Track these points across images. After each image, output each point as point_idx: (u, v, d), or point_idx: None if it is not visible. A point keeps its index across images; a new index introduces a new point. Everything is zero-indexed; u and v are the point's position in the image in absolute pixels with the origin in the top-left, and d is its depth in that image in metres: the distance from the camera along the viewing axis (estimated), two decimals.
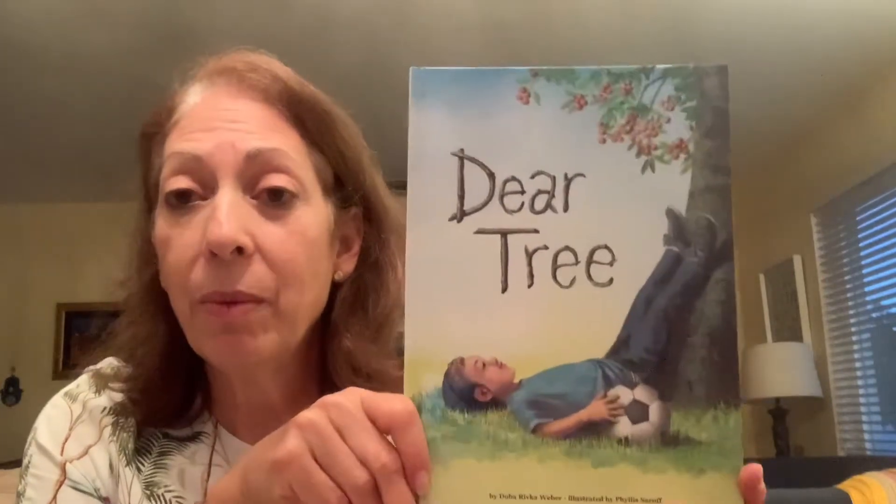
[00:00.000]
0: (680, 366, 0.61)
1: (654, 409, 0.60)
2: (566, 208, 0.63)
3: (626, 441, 0.60)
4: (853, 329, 4.50)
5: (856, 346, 4.45)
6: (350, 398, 0.60)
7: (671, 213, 0.63)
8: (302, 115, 0.83)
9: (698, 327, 0.61)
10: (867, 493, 2.86)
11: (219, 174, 0.78)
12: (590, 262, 0.62)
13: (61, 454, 0.84)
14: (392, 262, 0.89)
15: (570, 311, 0.62)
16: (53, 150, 5.09)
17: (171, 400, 0.87)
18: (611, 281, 0.62)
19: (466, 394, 0.62)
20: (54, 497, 0.83)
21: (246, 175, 0.79)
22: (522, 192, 0.63)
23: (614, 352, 0.61)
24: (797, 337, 4.90)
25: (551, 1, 3.47)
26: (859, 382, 4.43)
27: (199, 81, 0.85)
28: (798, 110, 4.49)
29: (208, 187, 0.79)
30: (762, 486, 0.58)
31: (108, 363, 0.92)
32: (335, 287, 0.87)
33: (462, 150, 0.64)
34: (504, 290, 0.62)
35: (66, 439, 0.85)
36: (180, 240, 0.79)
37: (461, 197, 0.63)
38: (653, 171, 0.63)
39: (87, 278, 5.92)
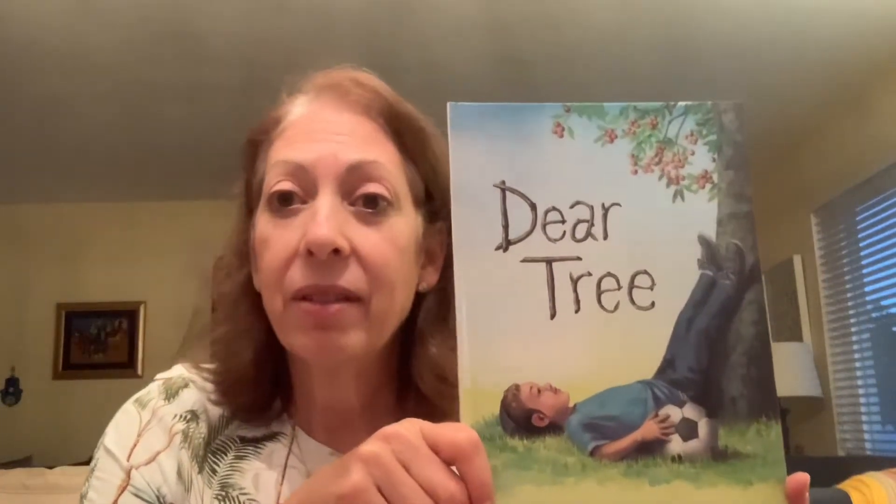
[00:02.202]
0: (723, 383, 0.65)
1: (703, 426, 0.64)
2: (606, 236, 0.67)
3: (679, 458, 0.64)
4: (853, 329, 4.58)
5: (856, 346, 4.54)
6: (410, 429, 0.62)
7: (703, 239, 0.68)
8: (400, 129, 0.89)
9: (736, 346, 0.66)
10: (867, 493, 2.90)
11: (320, 182, 0.83)
12: (632, 286, 0.66)
13: (128, 459, 0.86)
14: None
15: (617, 334, 0.66)
16: (53, 150, 5.08)
17: (258, 396, 0.91)
18: (653, 304, 0.66)
19: (524, 420, 0.64)
20: (115, 501, 0.85)
21: (346, 184, 0.84)
22: (563, 222, 0.67)
23: (661, 372, 0.65)
24: (797, 337, 4.95)
25: (552, 1, 3.48)
26: (859, 382, 4.51)
27: (306, 94, 0.91)
28: (798, 110, 4.56)
29: (309, 193, 0.84)
30: (807, 494, 0.63)
31: (179, 372, 0.95)
32: (418, 297, 0.91)
33: (503, 182, 0.68)
34: (553, 316, 0.66)
35: (135, 445, 0.88)
36: (280, 240, 0.83)
37: (505, 227, 0.67)
38: (682, 199, 0.69)
39: (87, 278, 5.96)
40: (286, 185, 0.84)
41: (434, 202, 0.92)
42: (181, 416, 0.90)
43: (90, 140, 4.97)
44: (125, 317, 6.00)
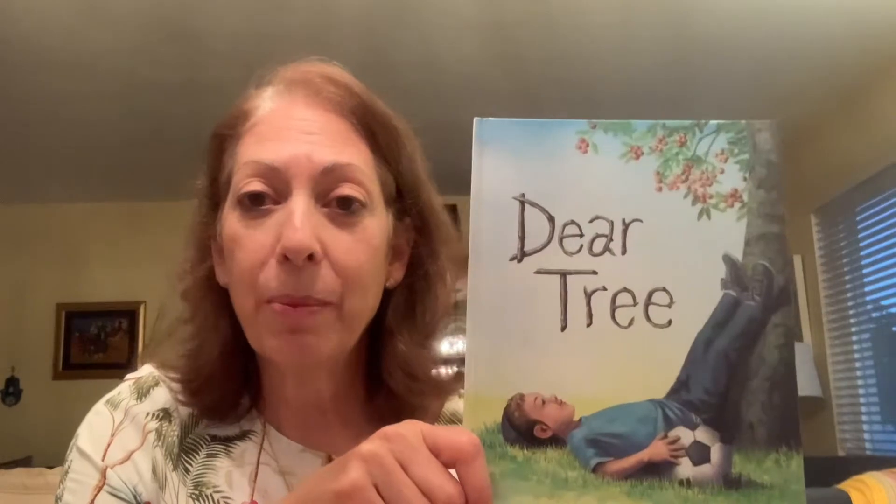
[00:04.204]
0: (741, 408, 0.63)
1: (716, 451, 0.62)
2: (624, 251, 0.67)
3: (687, 483, 0.62)
4: (853, 329, 4.70)
5: (856, 346, 4.60)
6: (410, 430, 0.63)
7: (728, 259, 0.66)
8: (373, 128, 0.89)
9: (758, 371, 0.64)
10: (867, 493, 2.88)
11: (293, 183, 0.83)
12: (648, 303, 0.66)
13: (103, 459, 0.87)
14: (441, 272, 0.94)
15: (630, 351, 0.65)
16: (53, 150, 5.23)
17: (227, 394, 0.91)
18: (669, 322, 0.65)
19: (526, 430, 0.64)
20: (91, 501, 0.85)
21: (319, 186, 0.84)
22: (581, 236, 0.67)
23: (674, 392, 0.64)
24: (797, 337, 4.93)
25: (551, 1, 3.48)
26: (859, 382, 4.61)
27: (275, 88, 0.91)
28: (798, 110, 4.54)
29: (282, 194, 0.84)
30: None
31: (148, 371, 0.95)
32: (385, 293, 0.92)
33: (523, 195, 0.68)
34: (563, 328, 0.66)
35: (109, 445, 0.87)
36: (251, 240, 0.83)
37: (522, 238, 0.67)
38: (709, 218, 0.67)
39: (87, 278, 6.01)
40: (257, 187, 0.83)
41: (403, 199, 0.93)
42: (154, 415, 0.91)
43: (90, 140, 4.99)
44: (125, 317, 6.00)
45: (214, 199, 0.91)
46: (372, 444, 0.62)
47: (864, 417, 4.54)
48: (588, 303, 0.65)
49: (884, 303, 4.47)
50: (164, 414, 0.91)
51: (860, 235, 4.55)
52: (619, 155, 0.68)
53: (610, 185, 0.67)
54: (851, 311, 4.66)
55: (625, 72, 4.19)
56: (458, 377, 0.96)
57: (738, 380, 0.63)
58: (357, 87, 0.90)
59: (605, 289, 0.65)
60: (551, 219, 0.67)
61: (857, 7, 3.57)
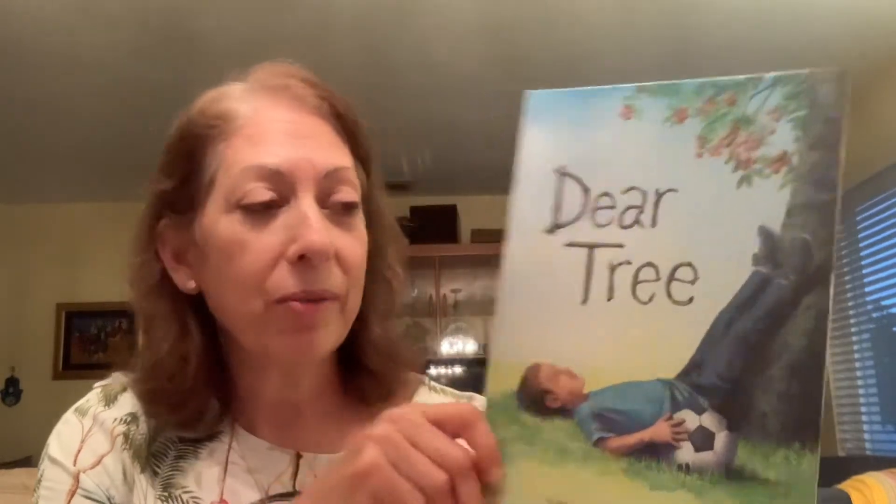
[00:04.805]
0: (754, 396, 0.59)
1: (721, 439, 0.60)
2: (654, 224, 0.64)
3: (686, 468, 0.60)
4: (853, 329, 4.59)
5: (856, 346, 4.62)
6: (412, 410, 0.66)
7: (764, 232, 0.61)
8: (353, 132, 0.91)
9: (780, 356, 0.59)
10: (867, 493, 2.89)
11: (298, 186, 0.84)
12: (671, 279, 0.63)
13: (74, 464, 0.87)
14: (392, 266, 0.98)
15: (646, 327, 0.63)
16: (53, 150, 5.18)
17: (201, 404, 0.90)
18: (691, 300, 0.62)
19: (538, 399, 0.65)
20: None
21: (321, 189, 0.85)
22: (613, 207, 0.65)
23: (685, 374, 0.61)
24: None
25: (551, 1, 3.47)
26: (859, 382, 4.52)
27: (251, 88, 0.90)
28: None
29: (285, 196, 0.84)
30: None
31: (117, 378, 0.95)
32: None
33: (563, 167, 0.67)
34: (584, 301, 0.64)
35: (79, 451, 0.88)
36: (259, 242, 0.83)
37: (556, 211, 0.67)
38: (749, 185, 0.62)
39: (87, 278, 5.99)
40: (264, 193, 0.83)
41: (367, 200, 0.94)
42: (121, 419, 0.91)
43: (90, 140, 4.97)
44: (125, 317, 5.93)
45: (186, 202, 0.89)
46: (380, 427, 0.65)
47: (864, 417, 4.54)
48: (611, 277, 0.64)
49: (884, 303, 4.46)
50: (132, 418, 0.91)
51: (860, 235, 4.53)
52: (662, 119, 0.64)
53: (648, 154, 0.65)
54: (851, 311, 4.64)
55: (625, 72, 4.17)
56: (417, 352, 1.02)
57: (756, 366, 0.59)
58: (334, 90, 0.91)
59: (629, 262, 0.63)
60: (586, 190, 0.66)
61: (857, 7, 3.57)
